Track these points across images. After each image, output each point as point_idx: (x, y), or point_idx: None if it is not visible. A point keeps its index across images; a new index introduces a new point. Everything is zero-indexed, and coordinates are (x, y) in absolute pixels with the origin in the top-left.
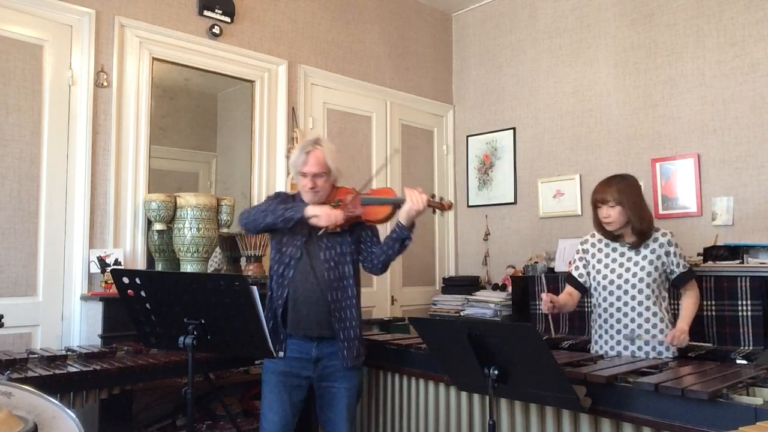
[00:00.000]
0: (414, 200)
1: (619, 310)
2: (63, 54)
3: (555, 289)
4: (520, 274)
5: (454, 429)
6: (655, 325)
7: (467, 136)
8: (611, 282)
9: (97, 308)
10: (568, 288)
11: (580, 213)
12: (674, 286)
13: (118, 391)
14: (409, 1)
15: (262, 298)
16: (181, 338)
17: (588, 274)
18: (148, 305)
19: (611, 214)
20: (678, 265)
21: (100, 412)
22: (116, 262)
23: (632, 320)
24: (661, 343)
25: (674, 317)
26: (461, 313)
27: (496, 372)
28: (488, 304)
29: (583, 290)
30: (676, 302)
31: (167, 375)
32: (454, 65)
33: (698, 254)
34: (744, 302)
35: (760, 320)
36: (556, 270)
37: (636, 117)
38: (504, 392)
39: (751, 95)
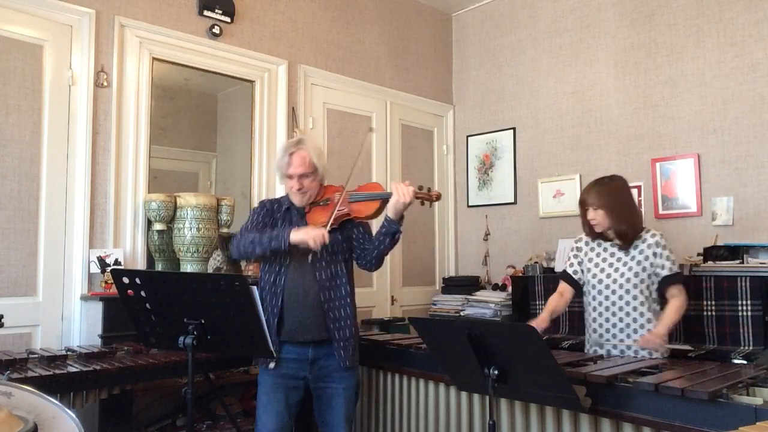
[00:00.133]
0: (400, 193)
1: (607, 309)
2: (63, 54)
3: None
4: (520, 274)
5: (454, 429)
6: (642, 326)
7: (467, 136)
8: (600, 281)
9: (97, 308)
10: (561, 287)
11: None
12: (658, 290)
13: (118, 391)
14: (409, 1)
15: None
16: (181, 338)
17: (582, 271)
18: (148, 305)
19: (596, 216)
20: (663, 267)
21: (100, 412)
22: (116, 262)
23: (620, 320)
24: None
25: None
26: (461, 313)
27: (496, 372)
28: (488, 304)
29: (578, 287)
30: None
31: (167, 375)
32: (454, 65)
33: (698, 254)
34: (744, 302)
35: (760, 320)
36: (556, 270)
37: (636, 117)
38: (504, 392)
39: (751, 95)
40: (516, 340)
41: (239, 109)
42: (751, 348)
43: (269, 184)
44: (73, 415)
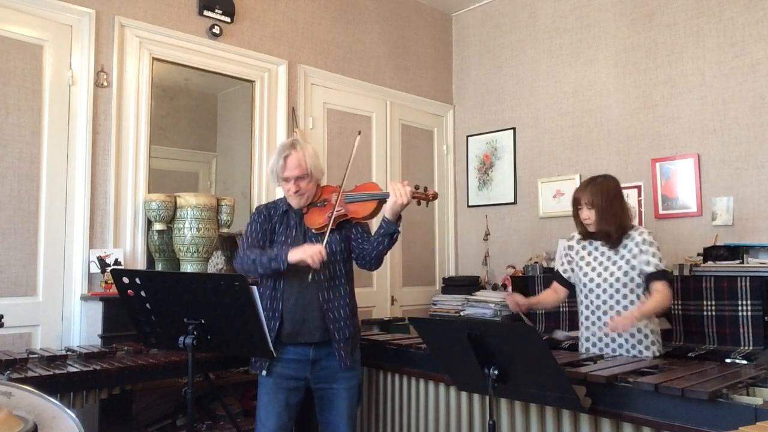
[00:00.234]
0: (398, 194)
1: (599, 308)
2: (63, 54)
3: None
4: (520, 274)
5: (454, 429)
6: (633, 324)
7: (467, 136)
8: (591, 280)
9: (97, 308)
10: (555, 284)
11: None
12: (645, 287)
13: (118, 391)
14: (409, 1)
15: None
16: (181, 338)
17: (572, 271)
18: (148, 305)
19: (590, 216)
20: (648, 263)
21: (100, 412)
22: (116, 262)
23: (611, 319)
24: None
25: (665, 318)
26: (461, 313)
27: (496, 372)
28: (488, 304)
29: (569, 287)
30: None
31: (167, 375)
32: (454, 65)
33: (698, 254)
34: (744, 302)
35: (760, 320)
36: (555, 270)
37: (636, 117)
38: (504, 392)
39: (751, 95)
40: (516, 340)
41: (239, 109)
42: (751, 348)
43: (269, 184)
44: (73, 415)
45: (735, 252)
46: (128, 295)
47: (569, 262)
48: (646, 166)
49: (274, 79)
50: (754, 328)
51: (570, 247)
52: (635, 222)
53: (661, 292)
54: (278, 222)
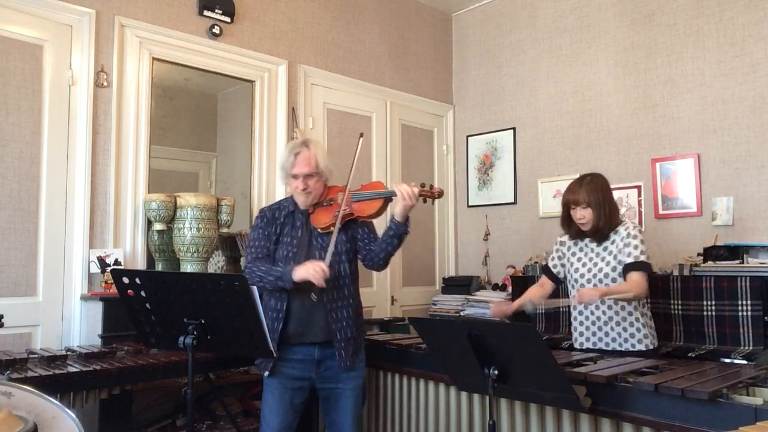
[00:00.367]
0: (406, 196)
1: (591, 303)
2: (63, 54)
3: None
4: (520, 274)
5: (454, 429)
6: (624, 318)
7: (467, 136)
8: (582, 276)
9: (97, 308)
10: (542, 279)
11: None
12: (622, 277)
13: (118, 391)
14: (409, 1)
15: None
16: (181, 338)
17: (563, 266)
18: (148, 305)
19: (585, 215)
20: (629, 255)
21: (100, 412)
22: (116, 262)
23: (604, 313)
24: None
25: (653, 315)
26: (461, 313)
27: (496, 372)
28: (488, 304)
29: (557, 282)
30: (648, 300)
31: (167, 375)
32: (454, 65)
33: (698, 254)
34: (744, 302)
35: (760, 320)
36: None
37: (636, 117)
38: (504, 392)
39: (751, 95)
40: (516, 340)
41: (239, 109)
42: (751, 348)
43: (269, 184)
44: (73, 415)
45: (735, 252)
46: (128, 295)
47: (560, 258)
48: (646, 166)
49: (274, 79)
50: (754, 328)
51: (562, 243)
52: (627, 219)
53: (633, 280)
54: (284, 222)
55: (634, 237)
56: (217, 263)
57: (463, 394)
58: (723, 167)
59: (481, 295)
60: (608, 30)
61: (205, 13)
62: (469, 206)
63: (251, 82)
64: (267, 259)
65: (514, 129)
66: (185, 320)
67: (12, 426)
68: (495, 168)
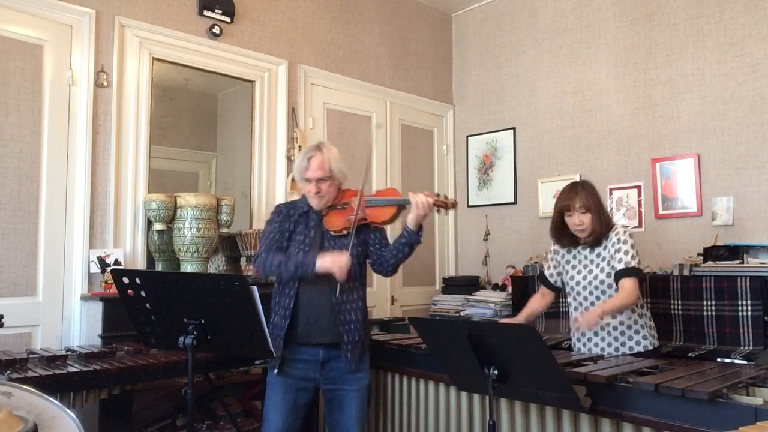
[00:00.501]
0: (421, 206)
1: (587, 309)
2: (63, 54)
3: None
4: (520, 274)
5: (454, 429)
6: (622, 322)
7: (467, 136)
8: (578, 283)
9: (97, 308)
10: (542, 289)
11: None
12: (615, 283)
13: (118, 391)
14: (409, 1)
15: (263, 298)
16: (181, 338)
17: (559, 274)
18: (148, 305)
19: (584, 220)
20: (620, 261)
21: (100, 412)
22: (116, 262)
23: (601, 318)
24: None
25: (653, 315)
26: (461, 313)
27: (496, 372)
28: (488, 304)
29: (556, 290)
30: (648, 300)
31: (167, 375)
32: (454, 65)
33: (698, 254)
34: (744, 302)
35: (760, 320)
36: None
37: (636, 117)
38: (504, 392)
39: (751, 95)
40: (516, 340)
41: (239, 109)
42: (751, 348)
43: (269, 184)
44: (73, 415)
45: (735, 252)
46: (128, 295)
47: (555, 267)
48: (646, 166)
49: (274, 79)
50: (754, 328)
51: (556, 251)
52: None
53: (626, 288)
54: (298, 221)
55: (625, 242)
56: (217, 264)
57: (463, 394)
58: (723, 167)
59: (481, 295)
60: (608, 30)
61: (205, 13)
62: (469, 206)
63: (251, 82)
64: (282, 253)
65: (514, 129)
66: (185, 320)
67: (12, 426)
68: (495, 168)
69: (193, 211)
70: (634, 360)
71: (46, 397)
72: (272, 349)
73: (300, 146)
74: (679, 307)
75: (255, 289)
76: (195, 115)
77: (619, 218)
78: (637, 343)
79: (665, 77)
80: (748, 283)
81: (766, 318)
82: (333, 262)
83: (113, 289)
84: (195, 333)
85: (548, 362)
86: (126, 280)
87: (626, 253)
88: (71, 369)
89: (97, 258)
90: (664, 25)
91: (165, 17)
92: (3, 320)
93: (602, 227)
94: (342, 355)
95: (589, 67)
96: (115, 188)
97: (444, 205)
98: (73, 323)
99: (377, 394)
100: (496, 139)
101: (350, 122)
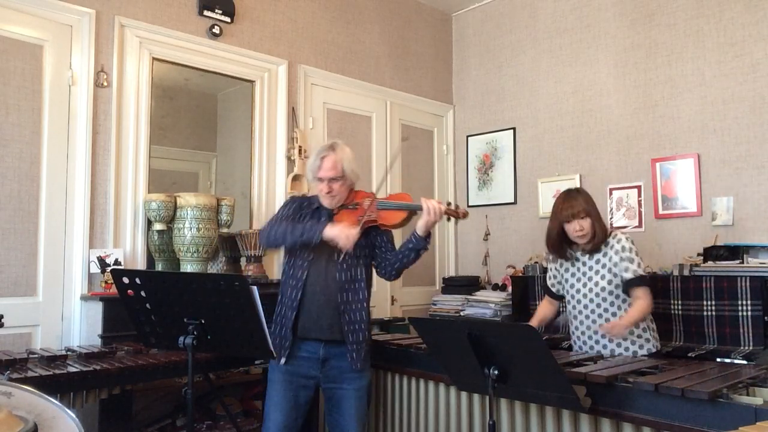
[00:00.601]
0: (432, 212)
1: (587, 317)
2: (63, 54)
3: None
4: (520, 274)
5: (454, 429)
6: (625, 332)
7: (467, 136)
8: (578, 291)
9: (97, 308)
10: (547, 297)
11: None
12: (624, 293)
13: (118, 391)
14: (409, 1)
15: (263, 298)
16: (181, 338)
17: (560, 284)
18: (148, 305)
19: (585, 226)
20: (627, 270)
21: (100, 412)
22: (116, 262)
23: (601, 326)
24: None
25: (654, 315)
26: (461, 313)
27: (496, 372)
28: (488, 304)
29: (560, 298)
30: (653, 299)
31: (167, 375)
32: (454, 65)
33: (698, 254)
34: (744, 302)
35: (760, 320)
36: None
37: (636, 117)
38: (504, 392)
39: (751, 95)
40: (516, 340)
41: (239, 109)
42: (751, 348)
43: (269, 184)
44: (73, 415)
45: (735, 252)
46: (128, 295)
47: (555, 276)
48: (646, 166)
49: (274, 79)
50: (754, 328)
51: (554, 261)
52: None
53: (642, 298)
54: (309, 215)
55: (630, 250)
56: (217, 264)
57: (463, 394)
58: (723, 167)
59: (481, 295)
60: (608, 30)
61: (205, 13)
62: (469, 206)
63: (251, 82)
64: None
65: (514, 129)
66: (185, 320)
67: (12, 426)
68: (495, 168)
69: (193, 211)
70: (634, 360)
71: (46, 397)
72: (272, 349)
73: (300, 146)
74: (679, 307)
75: (255, 289)
76: (195, 115)
77: (619, 218)
78: (640, 347)
79: (665, 77)
80: (748, 283)
81: (766, 318)
82: (341, 230)
83: (113, 289)
84: (195, 333)
85: (548, 362)
86: (126, 280)
87: (632, 261)
88: (71, 369)
89: (97, 258)
90: (664, 25)
91: (165, 17)
92: (3, 320)
93: (601, 232)
94: (344, 354)
95: (589, 67)
96: (115, 188)
97: (455, 214)
98: (73, 323)
99: (377, 394)
100: (496, 139)
101: (350, 122)
